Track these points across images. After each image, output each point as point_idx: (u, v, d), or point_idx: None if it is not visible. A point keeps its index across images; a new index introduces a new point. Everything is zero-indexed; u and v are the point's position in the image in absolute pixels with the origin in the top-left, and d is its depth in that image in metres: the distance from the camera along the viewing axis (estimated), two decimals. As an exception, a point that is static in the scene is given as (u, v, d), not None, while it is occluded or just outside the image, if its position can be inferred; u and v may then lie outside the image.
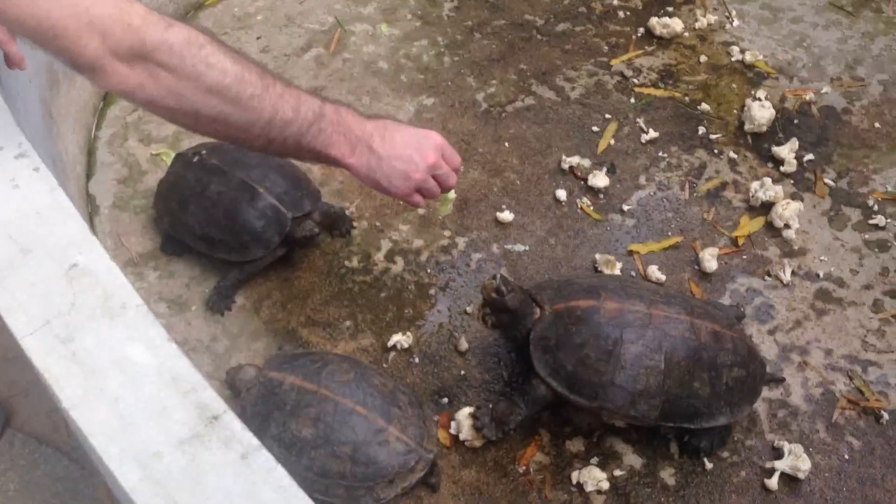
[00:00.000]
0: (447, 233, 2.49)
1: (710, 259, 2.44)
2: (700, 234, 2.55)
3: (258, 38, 3.05)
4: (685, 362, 1.90)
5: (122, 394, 1.24)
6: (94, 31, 1.21)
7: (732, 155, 2.76)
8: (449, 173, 1.74)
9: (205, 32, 1.36)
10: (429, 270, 2.40)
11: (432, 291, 2.35)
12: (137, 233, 2.45)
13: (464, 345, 2.23)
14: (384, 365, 2.20)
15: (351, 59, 2.99)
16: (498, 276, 1.93)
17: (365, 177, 1.66)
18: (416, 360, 2.21)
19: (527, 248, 2.48)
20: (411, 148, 1.65)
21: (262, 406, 1.95)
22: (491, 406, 2.05)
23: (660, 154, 2.75)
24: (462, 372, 2.20)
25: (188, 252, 2.39)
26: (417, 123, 2.78)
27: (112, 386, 1.25)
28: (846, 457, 2.11)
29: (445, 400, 2.15)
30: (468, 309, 2.32)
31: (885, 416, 2.17)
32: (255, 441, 1.21)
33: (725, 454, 2.09)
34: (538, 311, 1.99)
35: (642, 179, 2.68)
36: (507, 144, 2.75)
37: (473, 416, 2.02)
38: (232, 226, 2.20)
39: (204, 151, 2.29)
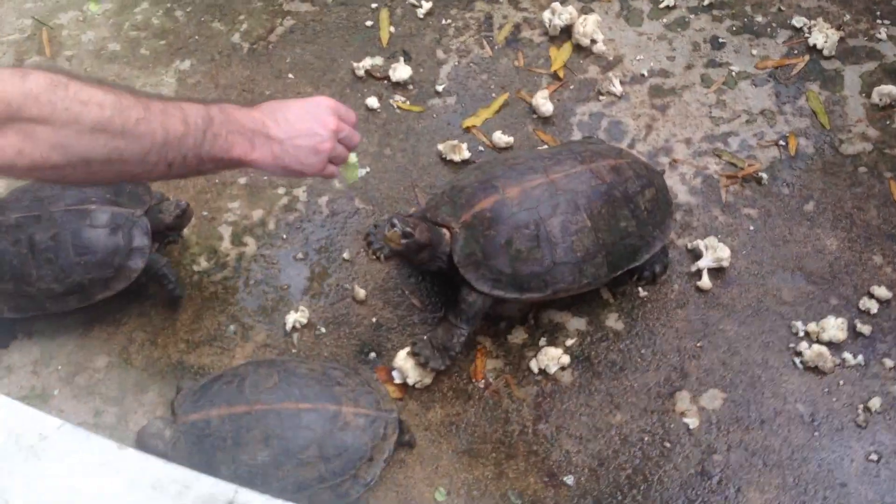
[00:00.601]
0: (281, 190, 2.31)
1: (543, 102, 2.40)
2: (522, 83, 2.50)
3: (-44, 74, 2.62)
4: (605, 209, 1.88)
5: (105, 535, 1.03)
6: None
7: (512, -6, 2.71)
8: (352, 132, 1.60)
9: (59, 71, 1.16)
10: (284, 236, 2.22)
11: (300, 255, 2.18)
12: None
13: (360, 293, 2.10)
14: (293, 350, 2.03)
15: (76, 55, 2.65)
16: (394, 220, 1.81)
17: (273, 167, 1.48)
18: (323, 329, 2.06)
19: (367, 169, 2.34)
20: (308, 120, 1.50)
21: (200, 454, 1.75)
22: (426, 338, 1.95)
23: (443, 22, 2.66)
24: (374, 320, 2.08)
25: (14, 339, 2.08)
26: (182, 92, 2.53)
27: (88, 530, 1.04)
28: (751, 228, 2.19)
29: (373, 355, 2.03)
30: (345, 256, 2.17)
31: (764, 176, 2.27)
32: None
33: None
34: (446, 232, 1.89)
35: (440, 54, 2.58)
36: (291, 76, 2.56)
37: (413, 353, 1.92)
38: (93, 258, 1.93)
39: (-9, 215, 1.98)
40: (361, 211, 2.25)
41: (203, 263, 2.17)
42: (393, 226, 1.80)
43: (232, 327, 2.07)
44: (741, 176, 2.27)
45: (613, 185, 1.90)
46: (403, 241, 1.80)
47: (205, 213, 2.26)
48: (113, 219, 1.95)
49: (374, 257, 2.14)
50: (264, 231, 2.23)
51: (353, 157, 1.65)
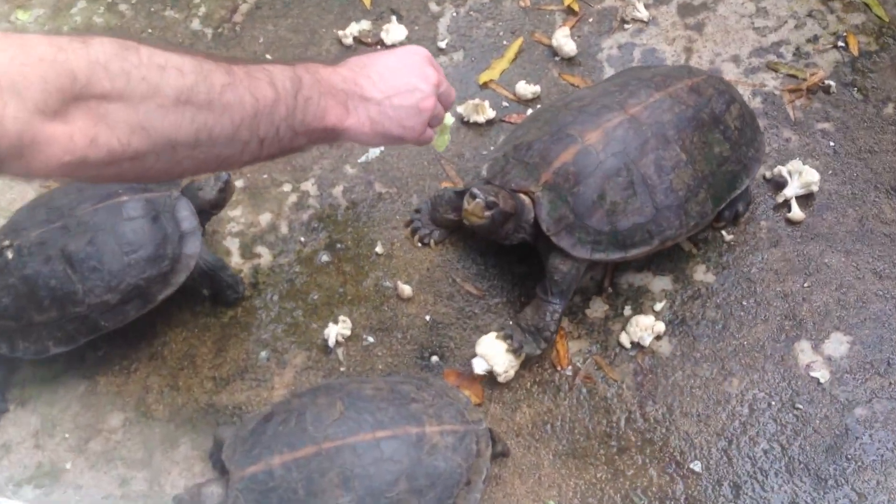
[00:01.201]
0: (287, 187, 2.01)
1: (565, 41, 2.14)
2: (533, 25, 2.23)
3: None
4: (696, 136, 1.64)
5: None
6: (1, 94, 0.75)
7: (502, -73, 2.43)
8: (448, 87, 1.36)
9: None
10: (302, 239, 1.93)
11: (325, 258, 1.90)
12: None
13: (405, 290, 1.82)
14: (341, 369, 1.76)
15: (14, 71, 2.31)
16: (474, 191, 1.56)
17: (370, 134, 1.24)
18: (370, 338, 1.79)
19: (380, 147, 2.05)
20: (406, 74, 1.25)
21: (267, 512, 1.47)
22: (512, 323, 1.69)
23: (430, -30, 2.38)
24: (427, 318, 1.80)
25: (5, 411, 1.77)
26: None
27: None
28: (831, 144, 1.96)
29: (435, 358, 1.76)
30: (378, 250, 1.89)
31: (832, 83, 2.03)
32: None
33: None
34: (525, 198, 1.63)
35: (434, 7, 2.30)
36: (268, 56, 2.26)
37: (504, 337, 1.65)
38: (144, 252, 1.66)
39: (7, 242, 1.67)
40: (385, 196, 1.97)
41: (214, 285, 1.87)
42: (474, 197, 1.54)
43: (263, 354, 1.78)
44: (806, 88, 2.03)
45: (698, 107, 1.66)
46: (488, 212, 1.54)
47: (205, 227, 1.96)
48: (150, 206, 1.69)
49: (422, 244, 1.87)
50: (277, 237, 1.94)
51: (448, 119, 1.39)
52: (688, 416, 1.65)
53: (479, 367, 1.66)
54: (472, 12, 2.27)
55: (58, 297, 1.64)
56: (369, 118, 1.21)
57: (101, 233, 1.64)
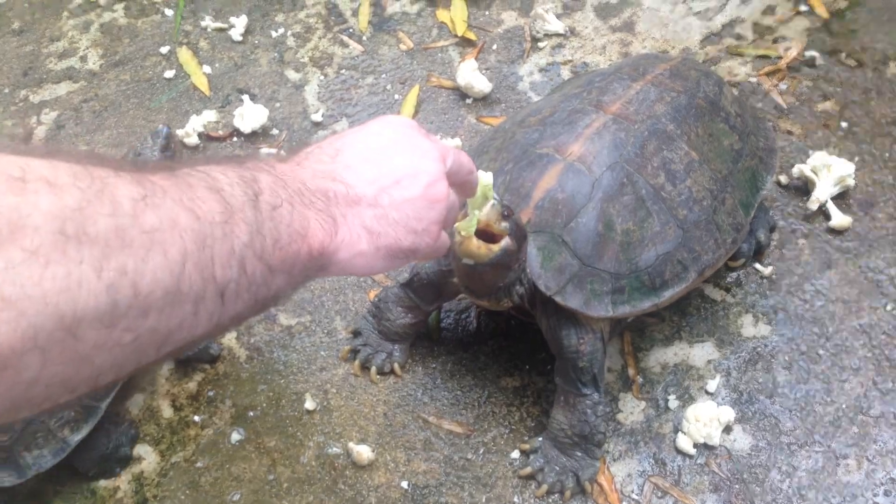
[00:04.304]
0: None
1: (473, 77, 1.74)
2: (426, 68, 1.82)
3: None
4: (700, 127, 1.29)
5: None
6: None
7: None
8: (458, 155, 0.85)
9: None
10: (197, 418, 1.40)
11: (237, 436, 1.37)
12: None
13: (363, 453, 1.32)
14: None
15: None
16: (497, 204, 1.03)
17: (370, 255, 0.75)
18: (333, 539, 1.25)
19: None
20: (398, 151, 0.78)
21: None
22: (540, 445, 1.24)
23: (274, 36, 1.94)
24: (404, 484, 1.30)
25: None
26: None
27: None
28: (843, 125, 1.58)
29: (433, 542, 1.24)
30: (308, 406, 1.38)
31: (815, 54, 1.67)
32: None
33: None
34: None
35: (293, 75, 1.87)
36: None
37: (550, 491, 1.19)
38: None
39: None
40: (297, 329, 1.46)
41: (82, 520, 1.30)
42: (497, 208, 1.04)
43: None
44: (785, 66, 1.66)
45: (691, 93, 1.31)
46: (505, 223, 1.04)
47: (50, 437, 1.38)
48: None
49: (382, 375, 1.37)
50: (160, 425, 1.40)
51: (486, 178, 0.92)
52: (813, 532, 1.18)
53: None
54: (343, 71, 1.81)
55: None
56: (365, 229, 0.74)
57: None
